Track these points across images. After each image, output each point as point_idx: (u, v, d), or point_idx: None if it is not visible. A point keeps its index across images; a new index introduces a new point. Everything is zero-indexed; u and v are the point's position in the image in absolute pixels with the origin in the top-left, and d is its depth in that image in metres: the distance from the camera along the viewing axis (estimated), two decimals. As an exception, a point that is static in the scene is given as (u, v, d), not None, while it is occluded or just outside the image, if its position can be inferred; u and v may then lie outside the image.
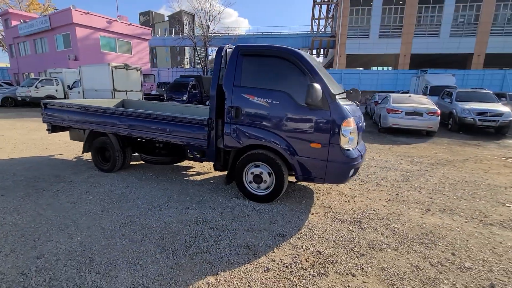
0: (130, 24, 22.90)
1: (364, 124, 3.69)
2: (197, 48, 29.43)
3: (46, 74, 18.01)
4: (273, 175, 3.20)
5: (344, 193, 3.79)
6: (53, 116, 4.56)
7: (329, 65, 34.43)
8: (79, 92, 14.68)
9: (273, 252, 2.37)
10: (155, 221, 2.83)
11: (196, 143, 3.56)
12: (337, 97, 2.96)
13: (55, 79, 16.40)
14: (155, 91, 18.36)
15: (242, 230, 2.70)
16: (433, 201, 3.58)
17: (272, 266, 2.18)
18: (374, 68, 38.22)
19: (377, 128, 9.91)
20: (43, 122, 4.73)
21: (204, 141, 3.47)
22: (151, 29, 25.48)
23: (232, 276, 2.05)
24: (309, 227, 2.82)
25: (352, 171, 3.06)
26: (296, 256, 2.32)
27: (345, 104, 3.10)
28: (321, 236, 2.65)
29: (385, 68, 36.64)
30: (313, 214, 3.12)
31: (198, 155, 3.78)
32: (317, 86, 2.76)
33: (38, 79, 16.27)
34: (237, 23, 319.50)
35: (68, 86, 15.37)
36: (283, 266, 2.17)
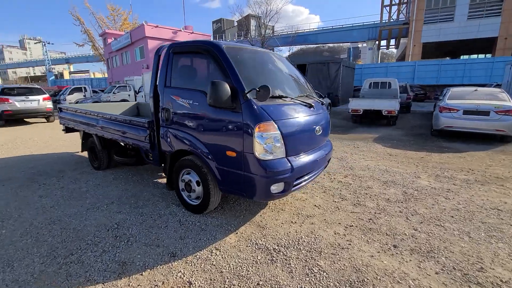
0: (192, 33, 25.02)
1: (322, 129, 2.97)
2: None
3: (124, 82, 21.41)
4: (201, 184, 2.88)
5: (300, 210, 3.13)
6: (63, 118, 5.26)
7: (401, 58, 30.15)
8: (142, 96, 16.85)
9: (142, 274, 2.09)
10: (78, 223, 2.90)
11: (143, 146, 3.52)
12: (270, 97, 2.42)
13: (128, 86, 19.27)
14: None
15: (142, 243, 2.50)
16: (414, 234, 2.60)
17: (123, 291, 1.92)
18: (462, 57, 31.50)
19: (431, 130, 8.06)
20: (60, 123, 5.51)
21: (147, 143, 3.40)
22: (210, 35, 27.30)
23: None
24: (215, 248, 2.41)
25: (277, 186, 2.48)
26: (159, 282, 1.99)
27: (277, 104, 2.53)
28: (214, 263, 2.21)
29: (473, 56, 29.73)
30: (236, 233, 2.66)
31: (151, 158, 3.73)
32: (220, 83, 2.32)
33: (116, 86, 19.44)
34: (307, 21, 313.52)
35: (135, 91, 17.81)
36: (132, 293, 1.89)
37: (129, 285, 1.97)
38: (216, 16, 78.57)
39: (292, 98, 2.73)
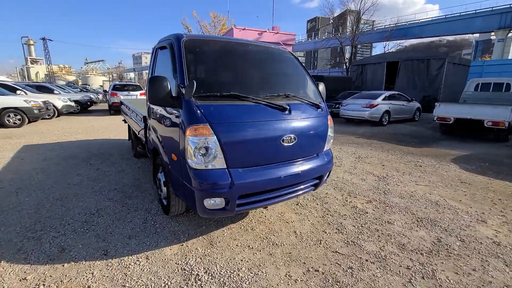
0: (277, 33, 25.31)
1: (296, 138, 2.32)
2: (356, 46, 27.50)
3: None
4: (166, 185, 2.75)
5: (272, 234, 2.57)
6: (122, 110, 6.13)
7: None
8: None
9: (63, 265, 2.12)
10: (75, 203, 3.25)
11: (142, 139, 3.66)
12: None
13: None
14: None
15: (95, 234, 2.57)
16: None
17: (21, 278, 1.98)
18: None
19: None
20: (121, 114, 6.46)
21: (143, 136, 3.52)
22: (295, 34, 26.89)
23: None
24: (145, 257, 2.23)
25: (213, 201, 2.07)
26: (65, 279, 1.96)
27: (224, 104, 2.12)
28: (128, 273, 2.03)
29: None
30: (181, 245, 2.40)
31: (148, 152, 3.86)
32: (157, 79, 2.10)
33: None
34: (422, 12, 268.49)
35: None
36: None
37: (43, 274, 2.02)
38: (315, 16, 77.16)
39: (254, 99, 2.23)
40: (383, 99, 10.45)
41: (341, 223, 2.82)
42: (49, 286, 1.90)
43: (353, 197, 3.51)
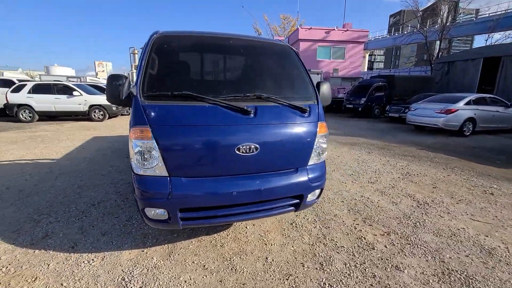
0: (347, 30, 23.50)
1: (259, 148, 1.91)
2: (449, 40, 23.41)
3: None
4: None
5: (239, 256, 2.22)
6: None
7: None
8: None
9: (34, 252, 2.27)
10: (89, 192, 3.57)
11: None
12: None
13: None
14: (343, 94, 17.80)
15: (80, 225, 2.71)
16: None
17: None
18: None
19: None
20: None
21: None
22: (367, 31, 24.27)
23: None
24: (102, 257, 2.21)
25: (154, 212, 1.88)
26: (25, 265, 2.08)
27: (173, 105, 1.89)
28: (75, 272, 2.03)
29: None
30: (142, 251, 2.30)
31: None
32: (113, 77, 2.02)
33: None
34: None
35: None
36: None
37: (15, 257, 2.21)
38: (400, 9, 69.00)
39: (210, 99, 1.92)
40: (466, 104, 8.40)
41: (330, 257, 2.24)
42: (9, 270, 2.05)
43: (367, 224, 2.80)
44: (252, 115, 1.96)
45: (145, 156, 1.82)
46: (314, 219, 2.91)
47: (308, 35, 23.06)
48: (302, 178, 2.12)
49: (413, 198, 3.52)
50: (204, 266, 2.12)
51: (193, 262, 2.17)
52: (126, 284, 1.90)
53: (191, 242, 2.44)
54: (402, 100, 13.29)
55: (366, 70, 44.11)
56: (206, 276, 2.01)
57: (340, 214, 3.03)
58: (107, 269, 2.07)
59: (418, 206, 3.26)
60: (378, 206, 3.24)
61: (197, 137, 1.84)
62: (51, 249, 2.31)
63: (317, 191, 2.33)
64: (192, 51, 2.40)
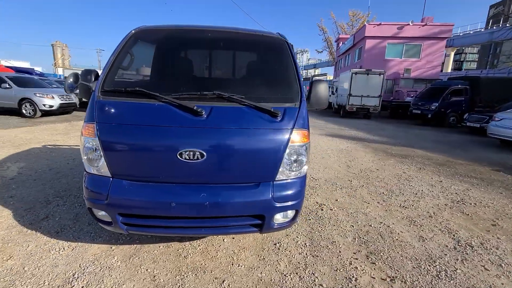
0: (425, 25, 20.42)
1: (206, 154, 1.62)
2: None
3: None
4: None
5: (197, 272, 1.99)
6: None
7: None
8: (336, 97, 16.90)
9: (26, 232, 2.49)
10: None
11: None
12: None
13: (331, 87, 19.98)
14: (411, 98, 15.33)
15: (76, 212, 2.90)
16: None
17: None
18: None
19: None
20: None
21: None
22: (452, 24, 20.45)
23: None
24: (71, 247, 2.27)
25: (100, 213, 1.80)
26: (9, 245, 2.28)
27: (125, 102, 1.77)
28: (42, 257, 2.12)
29: None
30: (111, 247, 2.29)
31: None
32: (83, 71, 2.01)
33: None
34: None
35: (332, 92, 18.12)
36: None
37: (10, 234, 2.45)
38: (500, -2, 56.99)
39: (162, 97, 1.72)
40: None
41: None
42: (1, 246, 2.28)
43: (369, 261, 2.22)
44: (203, 117, 1.70)
45: (91, 155, 1.75)
46: (305, 243, 2.46)
47: (376, 32, 20.95)
48: (263, 195, 1.75)
49: (453, 235, 2.68)
50: (154, 277, 1.96)
51: (146, 269, 2.04)
52: (72, 281, 1.88)
53: (159, 247, 2.32)
54: (489, 107, 10.77)
55: (450, 70, 37.81)
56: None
57: (340, 242, 2.49)
58: (68, 261, 2.10)
59: (456, 248, 2.45)
60: (397, 240, 2.56)
61: (138, 137, 1.68)
62: (40, 231, 2.50)
63: (291, 213, 1.91)
64: (165, 46, 2.26)
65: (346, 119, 13.90)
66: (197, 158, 1.65)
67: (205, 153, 1.65)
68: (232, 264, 2.14)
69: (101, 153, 1.72)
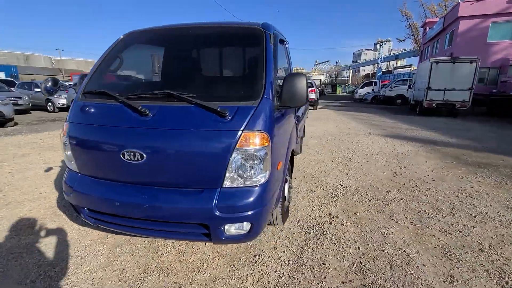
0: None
1: (145, 156, 1.54)
2: None
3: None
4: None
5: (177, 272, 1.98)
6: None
7: None
8: (413, 91, 14.59)
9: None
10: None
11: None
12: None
13: (409, 80, 17.30)
14: None
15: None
16: None
17: None
18: None
19: None
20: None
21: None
22: None
23: None
24: (77, 231, 2.59)
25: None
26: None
27: (95, 103, 1.89)
28: (47, 242, 2.49)
29: None
30: (107, 236, 2.52)
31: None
32: (82, 76, 2.23)
33: (396, 79, 18.23)
34: None
35: (409, 86, 15.65)
36: None
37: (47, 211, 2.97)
38: None
39: (118, 98, 1.75)
40: None
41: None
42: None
43: (356, 296, 1.78)
44: (149, 117, 1.65)
45: (66, 151, 1.94)
46: (288, 260, 2.16)
47: (474, 10, 17.07)
48: (205, 203, 1.59)
49: (507, 282, 1.91)
50: (123, 270, 2.05)
51: (121, 262, 2.14)
52: (58, 264, 2.14)
53: (144, 241, 2.41)
54: None
55: None
56: (112, 281, 1.94)
57: (332, 266, 2.09)
58: (69, 244, 2.40)
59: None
60: (412, 275, 1.98)
61: (91, 136, 1.78)
62: (64, 216, 2.94)
63: (246, 225, 1.69)
64: (147, 47, 2.29)
65: (422, 117, 11.80)
66: (138, 159, 1.62)
67: (144, 155, 1.61)
68: (199, 271, 2.04)
69: (69, 148, 1.88)
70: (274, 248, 2.33)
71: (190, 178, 1.66)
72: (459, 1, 17.59)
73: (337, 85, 57.19)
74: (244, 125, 1.59)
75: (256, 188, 1.66)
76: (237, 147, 1.57)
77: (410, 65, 56.66)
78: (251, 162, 1.61)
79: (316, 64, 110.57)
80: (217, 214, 1.58)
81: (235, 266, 2.10)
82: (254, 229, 1.71)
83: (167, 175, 1.68)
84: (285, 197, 2.55)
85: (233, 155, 1.58)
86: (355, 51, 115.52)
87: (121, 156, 1.66)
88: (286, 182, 2.60)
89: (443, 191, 3.58)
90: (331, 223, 2.74)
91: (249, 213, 1.63)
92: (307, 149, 5.87)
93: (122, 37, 2.28)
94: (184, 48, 2.26)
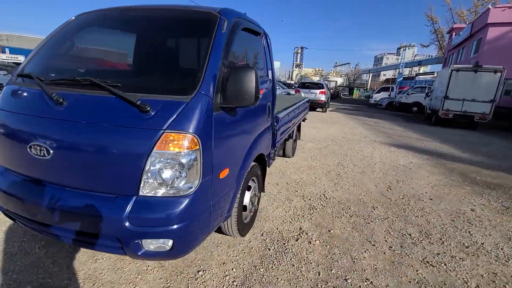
0: None
1: (52, 151, 1.33)
2: None
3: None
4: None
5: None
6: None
7: None
8: (430, 99, 13.81)
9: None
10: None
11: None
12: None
13: (428, 87, 16.40)
14: None
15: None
16: None
17: None
18: None
19: None
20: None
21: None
22: None
23: None
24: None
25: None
26: None
27: (19, 87, 1.68)
28: None
29: None
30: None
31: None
32: None
33: (413, 87, 17.35)
34: None
35: (427, 94, 14.81)
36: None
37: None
38: None
39: (40, 82, 1.53)
40: None
41: None
42: None
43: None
44: (62, 106, 1.42)
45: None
46: (233, 281, 1.90)
47: (506, 17, 15.88)
48: (114, 212, 1.34)
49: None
50: (50, 275, 1.85)
51: (51, 264, 1.95)
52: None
53: (86, 242, 2.22)
54: None
55: None
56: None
57: (280, 293, 1.80)
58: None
59: None
60: (371, 314, 1.67)
61: (5, 123, 1.56)
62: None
63: (167, 242, 1.44)
64: (97, 30, 2.06)
65: (437, 127, 11.09)
66: (44, 155, 1.40)
67: (51, 150, 1.39)
68: (129, 284, 1.82)
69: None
70: (223, 264, 2.07)
71: (102, 181, 1.42)
72: (489, 6, 16.45)
73: (355, 88, 55.67)
74: (167, 123, 1.33)
75: (181, 199, 1.40)
76: (155, 149, 1.32)
77: (433, 72, 54.23)
78: (173, 168, 1.36)
79: (336, 66, 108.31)
80: (127, 226, 1.34)
81: (171, 282, 1.86)
82: (177, 247, 1.45)
83: (76, 176, 1.45)
84: (245, 206, 2.29)
85: (149, 159, 1.32)
86: (377, 55, 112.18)
87: (28, 150, 1.44)
88: (248, 189, 2.33)
89: (438, 213, 3.18)
90: (297, 240, 2.44)
91: (169, 228, 1.38)
92: (301, 153, 5.54)
93: (73, 18, 2.07)
94: (123, 32, 2.02)
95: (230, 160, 1.76)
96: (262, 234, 2.50)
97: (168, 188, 1.38)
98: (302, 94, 13.50)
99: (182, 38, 1.84)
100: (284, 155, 4.98)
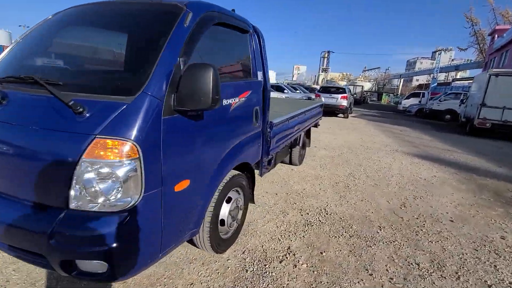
0: None
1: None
2: None
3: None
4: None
5: None
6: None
7: None
8: (466, 106, 12.66)
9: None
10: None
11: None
12: None
13: (463, 93, 15.06)
14: None
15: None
16: None
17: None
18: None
19: None
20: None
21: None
22: None
23: None
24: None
25: None
26: None
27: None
28: None
29: None
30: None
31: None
32: None
33: (447, 92, 16.03)
34: None
35: (462, 101, 13.58)
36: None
37: None
38: None
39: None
40: None
41: None
42: None
43: None
44: (1, 106, 1.31)
45: None
46: (195, 307, 1.68)
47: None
48: (40, 226, 1.19)
49: None
50: (6, 281, 1.77)
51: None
52: None
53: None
54: None
55: None
56: None
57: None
58: None
59: None
60: None
61: None
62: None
63: (95, 263, 1.25)
64: (60, 25, 1.96)
65: (471, 138, 10.04)
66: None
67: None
68: (83, 300, 1.67)
69: None
70: (190, 285, 1.86)
71: (33, 190, 1.28)
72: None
73: (384, 93, 53.20)
74: (100, 128, 1.16)
75: (115, 215, 1.21)
76: (83, 157, 1.15)
77: (472, 77, 50.24)
78: (106, 179, 1.18)
79: (364, 71, 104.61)
80: (51, 243, 1.17)
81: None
82: (115, 270, 1.26)
83: (8, 183, 1.33)
84: (222, 220, 2.06)
85: (77, 168, 1.16)
86: (410, 59, 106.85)
87: None
88: (228, 202, 2.10)
89: (458, 238, 2.72)
90: (281, 262, 2.16)
91: (101, 249, 1.19)
92: (310, 161, 5.20)
93: (50, 16, 2.01)
94: (82, 29, 1.90)
95: (192, 170, 1.56)
96: (243, 252, 2.26)
97: (102, 203, 1.20)
98: (323, 99, 13.01)
99: (139, 33, 1.68)
100: (290, 163, 4.69)
